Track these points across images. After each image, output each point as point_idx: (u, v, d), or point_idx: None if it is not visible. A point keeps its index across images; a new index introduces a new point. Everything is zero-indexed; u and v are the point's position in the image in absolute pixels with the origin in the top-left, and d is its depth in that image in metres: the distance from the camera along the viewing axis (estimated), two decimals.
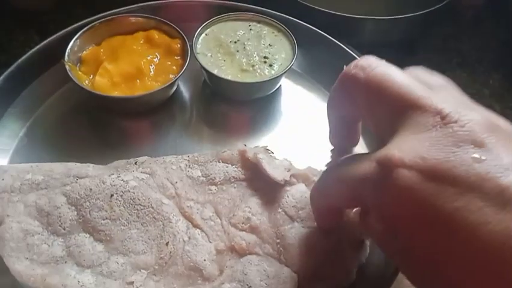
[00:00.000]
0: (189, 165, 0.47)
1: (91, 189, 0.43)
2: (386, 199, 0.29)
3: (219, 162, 0.48)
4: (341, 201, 0.37)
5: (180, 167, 0.47)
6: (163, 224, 0.43)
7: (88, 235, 0.41)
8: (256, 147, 0.49)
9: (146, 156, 0.48)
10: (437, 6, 0.69)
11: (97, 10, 0.60)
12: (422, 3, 0.69)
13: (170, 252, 0.41)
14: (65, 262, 0.40)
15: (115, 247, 0.41)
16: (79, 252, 0.40)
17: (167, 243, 0.42)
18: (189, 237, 0.42)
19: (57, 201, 0.42)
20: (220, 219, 0.44)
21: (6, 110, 0.54)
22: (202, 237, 0.43)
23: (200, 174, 0.47)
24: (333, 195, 0.37)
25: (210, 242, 0.43)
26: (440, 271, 0.27)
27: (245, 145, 0.49)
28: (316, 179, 0.47)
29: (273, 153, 0.49)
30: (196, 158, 0.48)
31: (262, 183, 0.46)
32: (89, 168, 0.46)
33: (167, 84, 0.52)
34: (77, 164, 0.46)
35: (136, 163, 0.47)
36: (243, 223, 0.43)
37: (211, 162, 0.48)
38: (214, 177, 0.46)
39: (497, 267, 0.25)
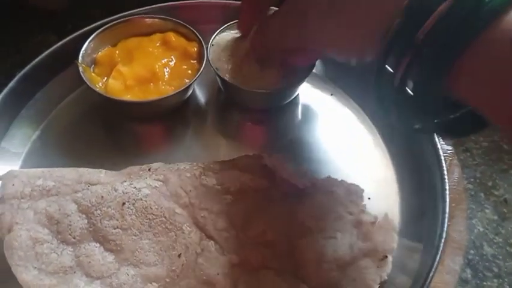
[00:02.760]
0: (204, 173, 0.45)
1: (102, 196, 0.42)
2: None
3: (235, 170, 0.46)
4: None
5: (195, 174, 0.45)
6: (176, 235, 0.41)
7: (98, 244, 0.40)
8: (274, 154, 0.47)
9: (159, 163, 0.47)
10: None
11: (115, 10, 0.58)
12: None
13: (183, 264, 0.40)
14: (74, 272, 0.39)
15: (125, 258, 0.40)
16: (89, 262, 0.39)
17: (179, 255, 0.40)
18: (202, 249, 0.41)
19: (67, 209, 0.41)
20: (235, 231, 0.42)
21: (19, 113, 0.53)
22: (216, 250, 0.41)
23: (215, 183, 0.45)
24: None
25: (224, 255, 0.41)
26: None
27: (262, 153, 0.47)
28: (335, 189, 0.45)
29: (291, 160, 0.47)
30: (212, 166, 0.46)
31: (279, 193, 0.44)
32: (101, 175, 0.44)
33: (181, 89, 0.51)
34: (89, 169, 0.45)
35: (149, 170, 0.45)
36: (258, 236, 0.42)
37: (227, 170, 0.46)
38: (230, 186, 0.45)
39: None
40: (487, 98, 0.28)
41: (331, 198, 0.44)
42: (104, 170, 0.45)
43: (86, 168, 0.45)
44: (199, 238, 0.41)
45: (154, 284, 0.39)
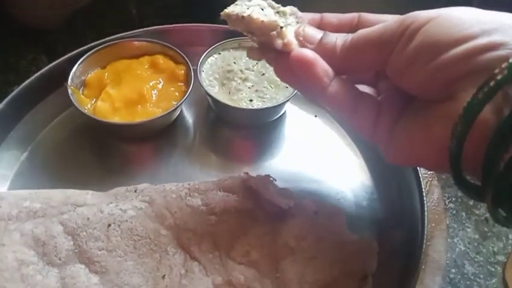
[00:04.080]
0: (189, 194, 0.46)
1: (88, 218, 0.42)
2: None
3: (220, 191, 0.47)
4: None
5: (180, 195, 0.46)
6: (160, 256, 0.42)
7: (83, 266, 0.41)
8: (258, 175, 0.48)
9: (146, 184, 0.47)
10: None
11: (105, 31, 0.60)
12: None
13: (167, 286, 0.40)
14: None
15: (110, 279, 0.40)
16: (74, 284, 0.40)
17: (163, 277, 0.41)
18: (186, 270, 0.42)
19: (54, 231, 0.42)
20: (219, 252, 0.43)
21: (8, 134, 0.54)
22: (200, 271, 0.42)
23: (200, 203, 0.46)
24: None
25: (208, 276, 0.41)
26: None
27: (247, 173, 0.48)
28: (318, 210, 0.46)
29: (275, 180, 0.48)
30: (197, 186, 0.47)
31: (263, 214, 0.45)
32: (88, 196, 0.45)
33: (168, 111, 0.52)
34: (76, 191, 0.46)
35: (135, 191, 0.46)
36: (242, 256, 0.42)
37: (212, 191, 0.47)
38: (214, 207, 0.45)
39: None
40: None
41: (314, 219, 0.45)
42: (91, 192, 0.46)
43: (73, 190, 0.46)
44: (184, 259, 0.42)
45: None
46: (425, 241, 0.44)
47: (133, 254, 0.41)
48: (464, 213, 0.57)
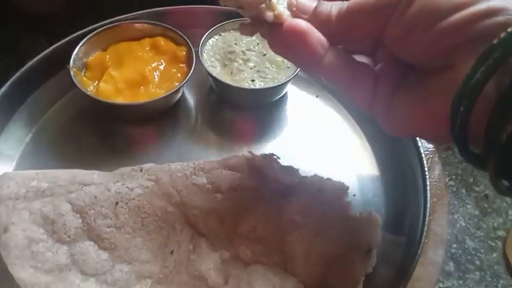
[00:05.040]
0: (194, 173, 0.47)
1: (96, 196, 0.43)
2: None
3: (225, 169, 0.47)
4: None
5: (186, 174, 0.46)
6: (168, 233, 0.42)
7: (92, 243, 0.41)
8: (262, 154, 0.49)
9: (151, 164, 0.48)
10: None
11: (105, 15, 0.59)
12: None
13: (175, 260, 0.41)
14: (70, 270, 0.40)
15: (119, 255, 0.41)
16: (84, 260, 0.40)
17: (172, 252, 0.41)
18: (194, 246, 0.42)
19: (62, 209, 0.42)
20: (226, 228, 0.44)
21: (12, 116, 0.54)
22: (207, 246, 0.42)
23: (205, 182, 0.46)
24: None
25: (215, 251, 0.42)
26: None
27: (251, 152, 0.49)
28: (322, 186, 0.47)
29: (279, 158, 0.48)
30: (202, 166, 0.47)
31: (267, 191, 0.46)
32: (95, 176, 0.45)
33: (171, 92, 0.52)
34: (82, 171, 0.46)
35: (141, 170, 0.46)
36: (248, 232, 0.43)
37: (217, 169, 0.47)
38: (220, 185, 0.46)
39: None
40: None
41: (318, 195, 0.46)
42: (97, 172, 0.46)
43: (80, 170, 0.46)
44: (191, 235, 0.43)
45: (147, 279, 0.40)
46: (428, 215, 0.45)
47: (141, 230, 0.42)
48: (464, 190, 0.59)
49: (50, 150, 0.53)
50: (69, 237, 0.41)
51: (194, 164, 0.47)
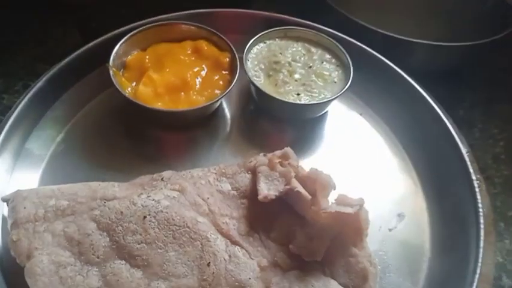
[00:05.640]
0: (217, 178, 0.45)
1: (121, 212, 0.40)
2: None
3: (247, 173, 0.46)
4: None
5: (209, 181, 0.45)
6: (202, 244, 0.41)
7: (124, 262, 0.39)
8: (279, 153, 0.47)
9: (170, 171, 0.46)
10: (494, 37, 0.63)
11: (143, 11, 0.56)
12: (477, 33, 0.64)
13: (213, 273, 0.39)
14: None
15: (154, 272, 0.39)
16: (117, 280, 0.38)
17: (208, 264, 0.40)
18: (230, 256, 0.41)
19: (87, 228, 0.39)
20: (258, 234, 0.43)
21: (44, 114, 0.52)
22: (243, 255, 0.41)
23: (230, 188, 0.45)
24: None
25: (252, 259, 0.41)
26: None
27: (265, 154, 0.47)
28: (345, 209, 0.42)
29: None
30: (223, 170, 0.46)
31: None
32: (115, 189, 0.43)
33: (213, 101, 0.50)
34: (101, 183, 0.43)
35: (162, 179, 0.44)
36: (282, 237, 0.42)
37: (239, 174, 0.46)
38: (245, 190, 0.45)
39: None
40: None
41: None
42: (116, 183, 0.44)
43: (98, 183, 0.43)
44: (225, 244, 0.41)
45: None
46: (481, 255, 0.43)
47: (173, 244, 0.40)
48: (502, 224, 0.56)
49: (80, 151, 0.50)
50: (98, 257, 0.39)
51: (215, 169, 0.46)
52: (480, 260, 0.43)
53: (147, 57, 0.52)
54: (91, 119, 0.53)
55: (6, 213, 0.42)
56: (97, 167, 0.47)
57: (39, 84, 0.50)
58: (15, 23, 0.67)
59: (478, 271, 0.42)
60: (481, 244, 0.44)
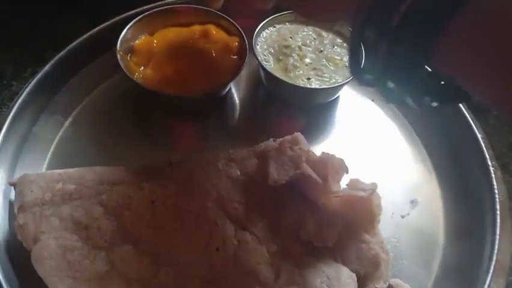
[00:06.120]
0: (226, 164, 0.44)
1: (129, 196, 0.40)
2: None
3: (257, 159, 0.45)
4: None
5: (218, 166, 0.44)
6: (210, 229, 0.40)
7: (132, 246, 0.38)
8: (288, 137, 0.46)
9: (178, 157, 0.45)
10: None
11: None
12: None
13: (222, 258, 0.39)
14: (112, 277, 0.37)
15: (161, 258, 0.38)
16: (125, 266, 0.37)
17: (217, 249, 0.39)
18: (239, 241, 0.40)
19: (94, 212, 0.39)
20: (268, 220, 0.42)
21: (53, 98, 0.51)
22: (253, 240, 0.40)
23: (239, 173, 0.44)
24: None
25: (262, 245, 0.40)
26: None
27: (275, 139, 0.46)
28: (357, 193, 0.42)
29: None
30: (232, 156, 0.45)
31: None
32: (123, 173, 0.42)
33: (221, 86, 0.49)
34: (108, 168, 0.43)
35: (170, 164, 0.44)
36: (292, 224, 0.41)
37: (248, 159, 0.45)
38: (254, 177, 0.44)
39: None
40: (467, 73, 0.25)
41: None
42: (124, 168, 0.43)
43: (105, 167, 0.43)
44: (234, 230, 0.41)
45: (195, 280, 0.38)
46: (497, 242, 0.42)
47: (182, 230, 0.39)
48: None
49: (89, 136, 0.50)
50: (106, 241, 0.38)
51: (224, 154, 0.45)
52: (496, 247, 0.42)
53: (155, 41, 0.51)
54: (99, 104, 0.52)
55: (13, 197, 0.41)
56: (104, 152, 0.47)
57: (47, 68, 0.50)
58: (24, 11, 0.67)
59: (494, 258, 0.41)
60: (497, 231, 0.42)
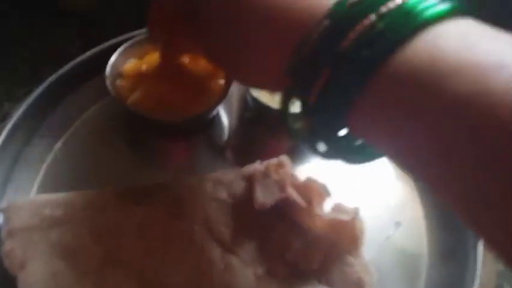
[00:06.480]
0: (214, 187, 0.45)
1: (117, 220, 0.41)
2: None
3: (243, 181, 0.46)
4: None
5: (206, 189, 0.45)
6: (197, 253, 0.41)
7: (120, 270, 0.39)
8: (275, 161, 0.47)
9: (168, 179, 0.46)
10: None
11: (141, 20, 0.57)
12: None
13: (209, 282, 0.39)
14: None
15: (149, 281, 0.39)
16: None
17: (204, 273, 0.40)
18: (225, 264, 0.41)
19: (83, 237, 0.39)
20: (254, 242, 0.42)
21: (43, 121, 0.52)
22: (239, 263, 0.41)
23: (226, 196, 0.45)
24: None
25: (248, 267, 0.41)
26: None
27: (261, 162, 0.47)
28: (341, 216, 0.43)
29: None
30: (220, 178, 0.46)
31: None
32: (112, 197, 0.43)
33: (208, 109, 0.50)
34: (97, 192, 0.43)
35: (160, 188, 0.44)
36: (279, 247, 0.42)
37: (235, 181, 0.46)
38: (241, 198, 0.45)
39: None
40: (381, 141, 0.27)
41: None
42: (112, 190, 0.44)
43: (94, 191, 0.43)
44: (221, 253, 0.41)
45: None
46: (479, 264, 0.43)
47: (169, 253, 0.40)
48: None
49: (79, 159, 0.50)
50: (94, 266, 0.38)
51: (213, 176, 0.46)
52: (479, 268, 0.42)
53: (143, 66, 0.52)
54: (90, 127, 0.53)
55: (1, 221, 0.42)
56: (95, 174, 0.47)
57: (38, 91, 0.51)
58: (15, 29, 0.67)
59: (477, 280, 0.42)
60: (480, 251, 0.43)
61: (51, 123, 0.52)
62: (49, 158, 0.50)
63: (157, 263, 0.40)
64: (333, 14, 0.25)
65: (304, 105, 0.28)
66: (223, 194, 0.45)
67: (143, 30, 0.55)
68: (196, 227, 0.42)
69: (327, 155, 0.30)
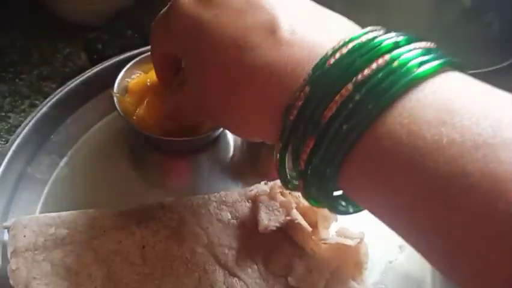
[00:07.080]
0: (217, 207, 0.45)
1: (120, 241, 0.41)
2: (172, 23, 0.36)
3: (247, 202, 0.46)
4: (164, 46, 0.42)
5: (209, 210, 0.45)
6: (199, 275, 0.41)
7: None
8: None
9: (171, 198, 0.46)
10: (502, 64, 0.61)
11: (147, 35, 0.58)
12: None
13: None
14: None
15: None
16: None
17: None
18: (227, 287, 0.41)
19: (86, 258, 0.39)
20: (257, 265, 0.42)
21: (49, 138, 0.52)
22: (241, 287, 0.41)
23: (230, 217, 0.45)
24: (157, 41, 0.43)
25: None
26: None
27: (266, 182, 0.47)
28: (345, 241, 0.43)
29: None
30: (224, 199, 0.46)
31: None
32: (115, 217, 0.43)
33: (213, 128, 0.50)
34: (101, 211, 0.43)
35: (162, 208, 0.44)
36: (281, 269, 0.42)
37: (239, 202, 0.46)
38: (245, 220, 0.45)
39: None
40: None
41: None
42: (117, 211, 0.44)
43: (98, 210, 0.43)
44: (223, 276, 0.41)
45: None
46: None
47: (171, 275, 0.40)
48: None
49: (84, 176, 0.50)
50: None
51: (215, 196, 0.46)
52: None
53: (148, 80, 0.52)
54: (95, 144, 0.53)
55: (6, 239, 0.42)
56: (100, 192, 0.47)
57: (44, 109, 0.51)
58: (22, 42, 0.68)
59: None
60: None
61: (56, 140, 0.52)
62: (53, 176, 0.50)
63: (159, 285, 0.39)
64: (313, 79, 0.26)
65: (295, 169, 0.30)
66: (227, 215, 0.45)
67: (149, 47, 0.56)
68: (199, 249, 0.42)
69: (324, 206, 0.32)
